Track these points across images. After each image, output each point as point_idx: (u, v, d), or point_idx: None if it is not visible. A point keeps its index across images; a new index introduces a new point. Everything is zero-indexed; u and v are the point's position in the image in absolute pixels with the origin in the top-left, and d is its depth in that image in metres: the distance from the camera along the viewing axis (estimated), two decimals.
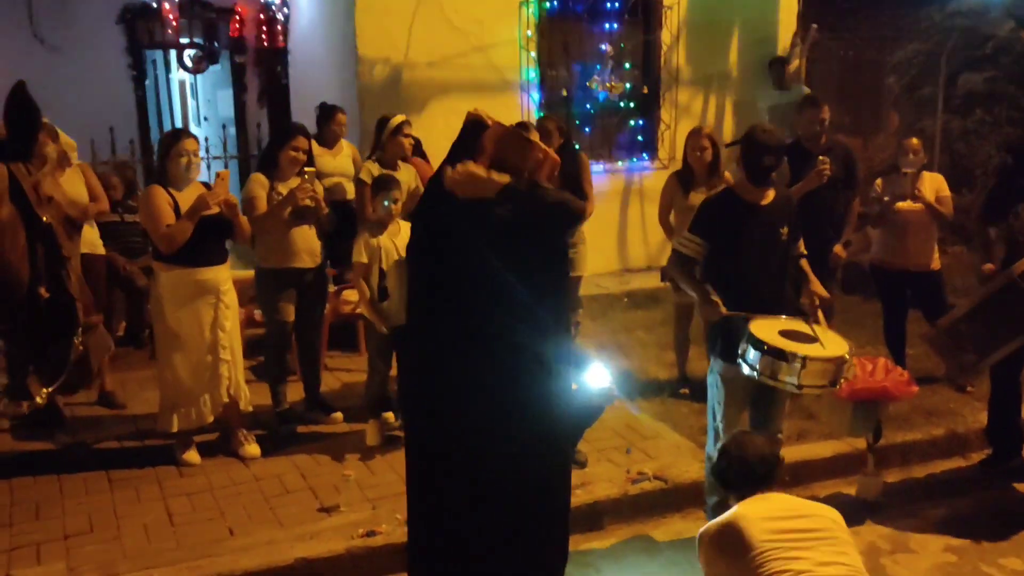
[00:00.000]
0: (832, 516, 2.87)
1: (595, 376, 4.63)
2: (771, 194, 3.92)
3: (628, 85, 8.18)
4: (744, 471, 3.01)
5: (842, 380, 3.70)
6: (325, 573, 3.89)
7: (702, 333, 5.85)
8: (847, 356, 3.65)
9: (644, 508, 4.50)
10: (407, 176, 5.66)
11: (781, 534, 2.75)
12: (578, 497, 4.46)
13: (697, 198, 5.43)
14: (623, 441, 5.07)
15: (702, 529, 2.96)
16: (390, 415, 5.23)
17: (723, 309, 3.78)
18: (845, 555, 2.75)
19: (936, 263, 5.67)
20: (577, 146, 6.28)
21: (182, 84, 12.53)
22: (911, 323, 5.86)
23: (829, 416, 4.79)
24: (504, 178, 3.01)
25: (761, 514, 2.82)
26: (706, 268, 3.97)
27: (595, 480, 4.64)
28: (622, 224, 8.43)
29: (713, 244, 3.89)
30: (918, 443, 5.09)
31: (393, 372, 5.24)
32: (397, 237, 4.99)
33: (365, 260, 4.90)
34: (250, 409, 5.08)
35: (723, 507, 4.09)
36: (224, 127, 9.06)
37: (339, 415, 5.35)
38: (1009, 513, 4.42)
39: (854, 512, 3.10)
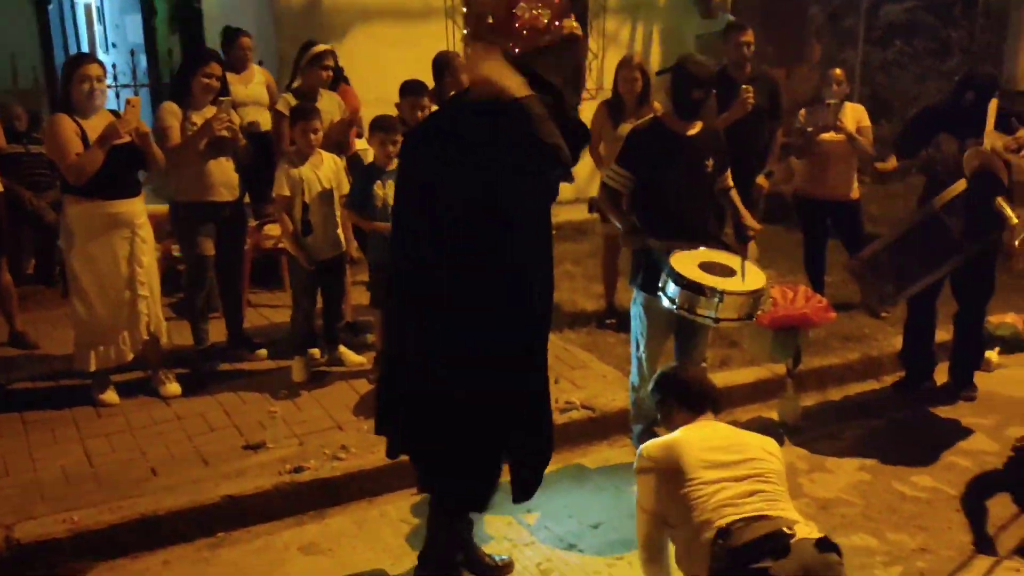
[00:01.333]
0: (766, 446, 2.94)
1: None
2: (698, 125, 3.91)
3: None
4: (682, 401, 3.09)
5: (758, 312, 3.76)
6: (252, 510, 3.85)
7: (629, 265, 5.93)
8: (764, 289, 3.70)
9: (572, 437, 4.56)
10: (329, 105, 5.49)
11: (712, 459, 2.82)
12: None
13: (626, 129, 5.39)
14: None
15: (643, 446, 3.01)
16: (316, 351, 5.16)
17: (646, 241, 3.79)
18: (768, 485, 2.81)
19: (855, 193, 5.79)
20: None
21: (88, 8, 11.89)
22: (830, 252, 6.01)
23: (751, 343, 4.90)
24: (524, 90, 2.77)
25: (699, 442, 2.89)
26: (633, 199, 3.96)
27: None
28: None
29: (640, 176, 3.88)
30: (835, 367, 5.26)
31: (318, 307, 5.17)
32: (319, 169, 4.85)
33: (287, 193, 4.76)
34: (171, 347, 4.97)
35: (649, 435, 4.19)
36: (133, 54, 8.62)
37: (263, 352, 5.26)
38: (920, 433, 4.61)
39: (774, 435, 3.18)
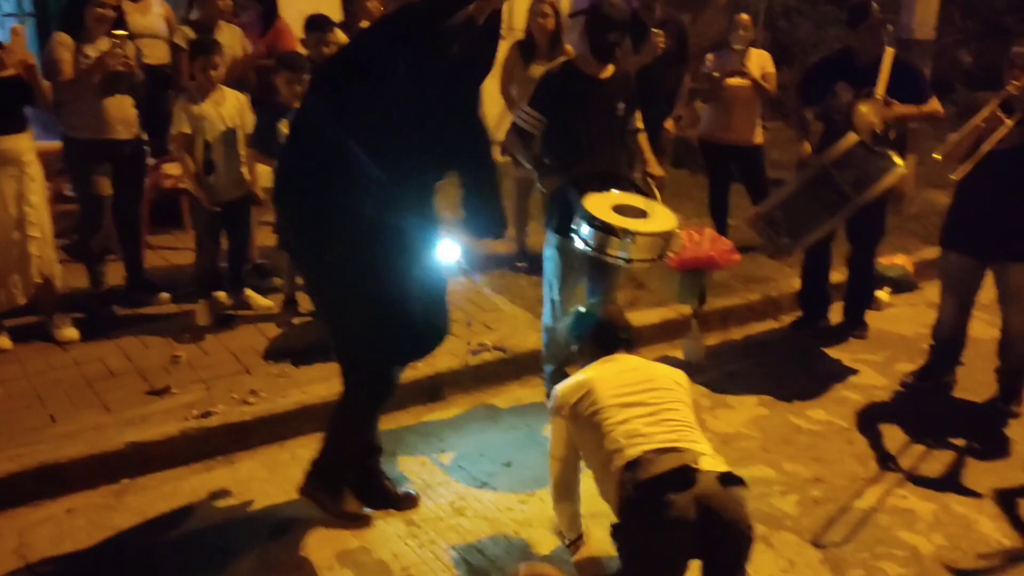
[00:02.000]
0: (675, 377, 3.05)
1: (445, 251, 4.63)
2: (611, 68, 3.92)
3: None
4: (596, 338, 3.17)
5: (669, 253, 3.84)
6: (158, 456, 3.77)
7: (541, 207, 5.95)
8: (674, 230, 3.78)
9: (485, 378, 4.61)
10: (230, 39, 5.28)
11: (623, 393, 2.92)
12: (420, 370, 4.52)
13: (538, 70, 5.36)
14: (463, 314, 5.12)
15: (557, 387, 3.07)
16: (221, 294, 5.03)
17: (560, 183, 3.81)
18: (677, 414, 2.91)
19: (758, 138, 5.93)
20: None
21: None
22: (734, 196, 6.16)
23: (658, 284, 5.02)
24: None
25: (611, 376, 2.99)
26: (544, 142, 3.96)
27: (436, 353, 4.65)
28: None
29: (552, 118, 3.87)
30: (737, 308, 5.44)
31: (223, 249, 5.03)
32: (221, 106, 4.68)
33: (186, 130, 4.58)
34: (66, 291, 4.77)
35: (561, 375, 4.27)
36: None
37: (166, 295, 5.10)
38: (815, 370, 4.83)
39: None
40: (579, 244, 3.72)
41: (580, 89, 3.88)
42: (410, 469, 3.85)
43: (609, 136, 3.94)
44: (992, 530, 3.46)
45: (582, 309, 3.33)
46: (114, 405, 4.00)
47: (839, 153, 4.30)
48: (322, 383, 4.27)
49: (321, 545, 3.35)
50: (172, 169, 5.62)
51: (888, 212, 5.08)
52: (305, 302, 4.96)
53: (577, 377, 3.05)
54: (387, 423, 4.21)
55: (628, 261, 3.68)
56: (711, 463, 2.74)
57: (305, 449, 3.92)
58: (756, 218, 4.68)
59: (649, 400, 2.92)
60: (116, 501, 3.56)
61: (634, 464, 2.73)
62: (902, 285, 5.77)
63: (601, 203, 3.71)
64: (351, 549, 3.32)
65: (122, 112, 4.68)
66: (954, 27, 9.66)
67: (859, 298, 5.22)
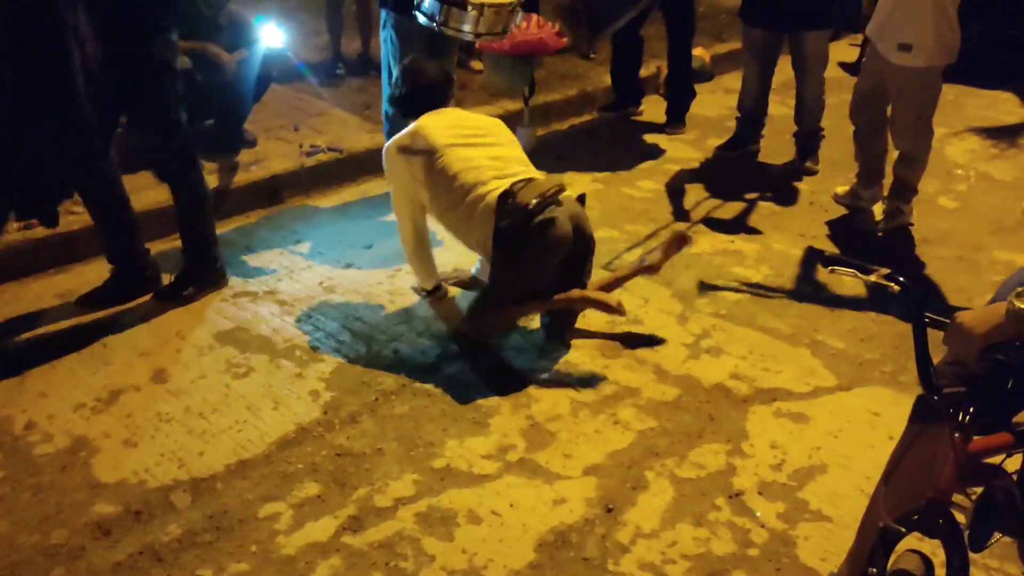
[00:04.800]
0: (494, 122, 3.31)
1: (269, 36, 4.39)
2: None
3: None
4: (424, 94, 3.25)
5: (512, 27, 3.87)
6: None
7: (355, 12, 5.74)
8: (517, 3, 3.80)
9: (324, 178, 4.55)
10: None
11: (458, 137, 3.11)
12: (254, 173, 4.39)
13: None
14: (289, 120, 4.95)
15: (388, 142, 3.20)
16: None
17: None
18: (512, 150, 3.23)
19: None
20: None
21: None
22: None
23: (490, 74, 5.05)
24: None
25: (440, 124, 3.14)
26: None
27: (269, 156, 4.54)
28: None
29: None
30: (557, 103, 5.61)
31: None
32: None
33: None
34: None
35: None
36: None
37: None
38: (637, 150, 5.12)
39: None
40: (424, 20, 3.64)
41: None
42: (266, 260, 3.80)
43: None
44: (806, 261, 3.94)
45: (408, 62, 3.36)
46: None
47: None
48: (150, 190, 4.05)
49: (193, 326, 3.28)
50: None
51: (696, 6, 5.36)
52: None
53: (407, 129, 3.17)
54: (232, 224, 4.11)
55: (477, 36, 3.68)
56: (567, 188, 3.12)
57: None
58: (561, 7, 4.77)
59: (484, 142, 3.14)
60: None
61: (509, 194, 2.95)
62: (702, 75, 6.14)
63: None
64: (227, 329, 3.28)
65: None
66: None
67: (681, 94, 5.50)
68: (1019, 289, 1.66)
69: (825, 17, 4.57)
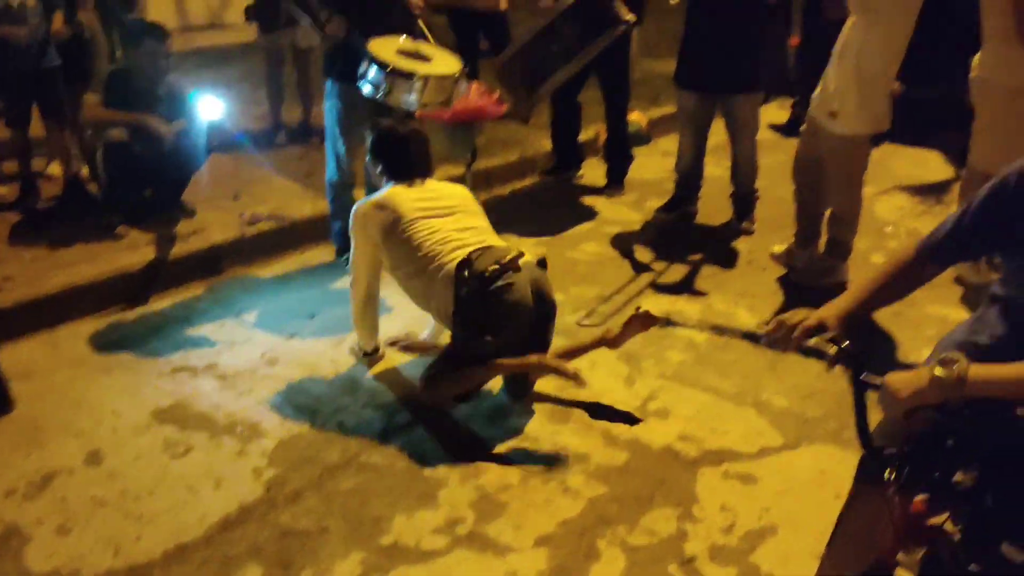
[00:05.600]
0: (463, 193, 3.36)
1: (208, 107, 4.38)
2: None
3: None
4: (400, 158, 3.30)
5: (455, 97, 3.92)
6: None
7: (295, 80, 5.77)
8: (461, 73, 3.86)
9: (265, 248, 4.50)
10: None
11: (425, 209, 3.16)
12: (193, 244, 4.34)
13: None
14: (229, 189, 4.91)
15: (357, 204, 3.24)
16: None
17: (344, 29, 3.73)
18: (477, 220, 3.29)
19: (503, 4, 6.10)
20: None
21: None
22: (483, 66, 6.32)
23: (431, 140, 5.07)
24: None
25: (410, 194, 3.19)
26: None
27: (208, 226, 4.49)
28: None
29: None
30: (498, 168, 5.68)
31: None
32: None
33: None
34: None
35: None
36: None
37: None
38: (579, 213, 5.19)
39: None
40: (368, 90, 3.67)
41: None
42: (208, 333, 3.73)
43: None
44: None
45: (382, 130, 3.37)
46: None
47: (567, 5, 4.50)
48: (88, 263, 3.98)
49: (129, 404, 3.19)
50: None
51: (630, 68, 5.49)
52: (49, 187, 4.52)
53: (376, 196, 3.22)
54: (170, 297, 4.03)
55: (422, 106, 3.72)
56: (527, 254, 3.14)
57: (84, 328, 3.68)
58: (496, 68, 4.85)
59: (450, 212, 3.19)
60: None
61: (467, 262, 2.95)
62: (639, 139, 6.27)
63: (386, 47, 3.69)
64: (165, 407, 3.19)
65: None
66: None
67: (619, 158, 5.61)
68: (942, 356, 1.71)
69: (754, 82, 4.73)
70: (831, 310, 1.92)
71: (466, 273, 3.00)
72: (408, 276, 3.17)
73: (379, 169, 3.34)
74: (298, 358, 3.55)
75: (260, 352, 3.58)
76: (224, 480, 2.82)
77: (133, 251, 4.17)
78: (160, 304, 3.97)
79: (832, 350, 1.84)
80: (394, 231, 3.11)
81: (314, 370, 3.47)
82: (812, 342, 1.89)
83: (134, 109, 4.30)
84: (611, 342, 3.42)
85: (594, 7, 4.45)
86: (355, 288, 3.36)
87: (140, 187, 4.49)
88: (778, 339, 1.91)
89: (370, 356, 3.47)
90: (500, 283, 3.00)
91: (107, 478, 2.82)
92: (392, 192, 3.19)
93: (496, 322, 3.04)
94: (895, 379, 1.77)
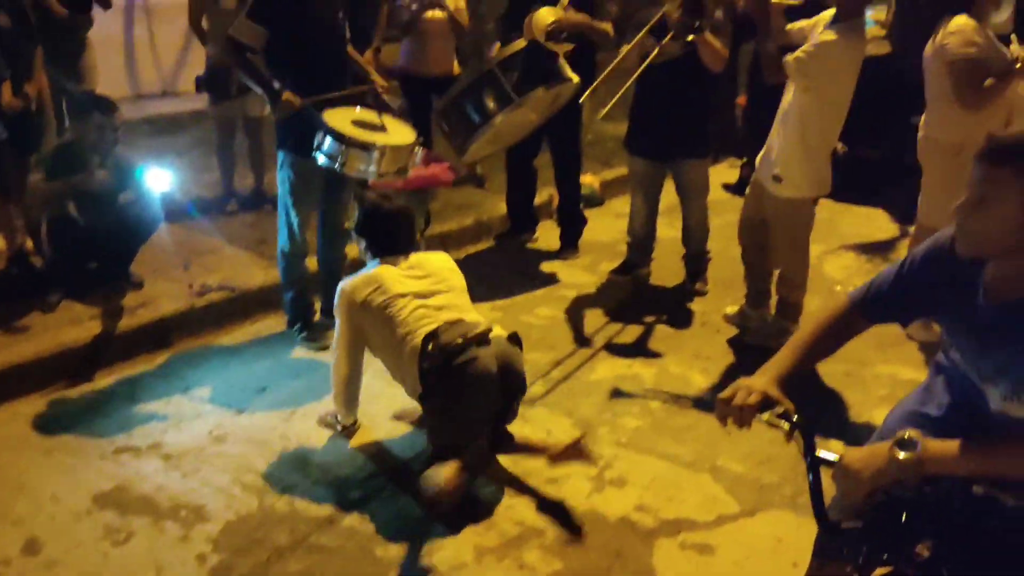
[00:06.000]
0: (445, 264, 3.32)
1: (156, 180, 4.34)
2: None
3: None
4: (386, 235, 3.28)
5: (410, 166, 3.92)
6: None
7: (247, 147, 5.74)
8: (416, 142, 3.86)
9: (215, 318, 4.42)
10: None
11: (410, 286, 3.14)
12: (141, 316, 4.25)
13: (230, 1, 5.19)
14: (178, 259, 4.84)
15: (344, 282, 3.20)
16: None
17: (298, 101, 3.72)
18: (459, 297, 3.25)
19: (456, 69, 6.17)
20: None
21: None
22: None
23: None
24: None
25: (396, 273, 3.17)
26: (268, 60, 3.83)
27: (157, 298, 4.41)
28: (128, 45, 7.64)
29: (274, 29, 3.74)
30: (453, 232, 5.67)
31: None
32: None
33: None
34: None
35: (301, 300, 4.24)
36: None
37: None
38: (534, 277, 5.19)
39: None
40: (324, 161, 3.65)
41: None
42: (154, 409, 3.63)
43: (333, 47, 3.91)
44: (701, 382, 4.01)
45: (368, 207, 3.34)
46: None
47: (507, 54, 4.51)
48: (30, 340, 3.88)
49: (69, 489, 3.08)
50: None
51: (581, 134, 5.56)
52: None
53: (365, 275, 3.18)
54: (116, 373, 3.93)
55: (379, 176, 3.71)
56: (498, 328, 3.14)
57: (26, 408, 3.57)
58: (434, 115, 4.85)
59: (432, 290, 3.16)
60: None
61: (433, 335, 2.96)
62: (592, 201, 6.35)
63: (341, 118, 3.69)
64: (106, 491, 3.08)
65: None
66: None
67: (572, 221, 5.65)
68: (900, 434, 1.72)
69: (702, 147, 4.80)
70: (768, 376, 1.93)
71: (431, 347, 2.99)
72: (382, 350, 3.18)
73: (364, 245, 3.31)
74: (247, 434, 3.46)
75: (208, 429, 3.49)
76: (166, 568, 2.72)
77: (77, 326, 4.08)
78: (106, 380, 3.87)
79: (784, 425, 1.85)
80: (377, 308, 3.09)
81: (264, 447, 3.38)
82: (764, 417, 1.89)
83: (82, 180, 4.24)
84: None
85: (537, 60, 4.43)
86: (338, 364, 3.29)
87: (85, 260, 4.41)
88: (728, 419, 1.91)
89: (347, 429, 3.43)
90: (463, 357, 2.98)
91: (45, 569, 2.71)
92: (380, 271, 3.17)
93: (459, 397, 3.01)
94: (853, 458, 1.78)
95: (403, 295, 3.10)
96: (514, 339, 3.22)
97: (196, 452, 3.33)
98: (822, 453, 1.81)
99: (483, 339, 3.06)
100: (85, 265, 4.45)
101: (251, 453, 3.33)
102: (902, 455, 1.72)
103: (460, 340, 3.00)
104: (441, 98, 4.70)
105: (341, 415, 3.42)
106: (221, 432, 3.47)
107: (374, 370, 3.44)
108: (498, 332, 3.15)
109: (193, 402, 3.69)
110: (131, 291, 4.44)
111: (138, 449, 3.35)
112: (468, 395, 3.02)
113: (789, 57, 3.83)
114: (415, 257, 3.28)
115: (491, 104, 4.36)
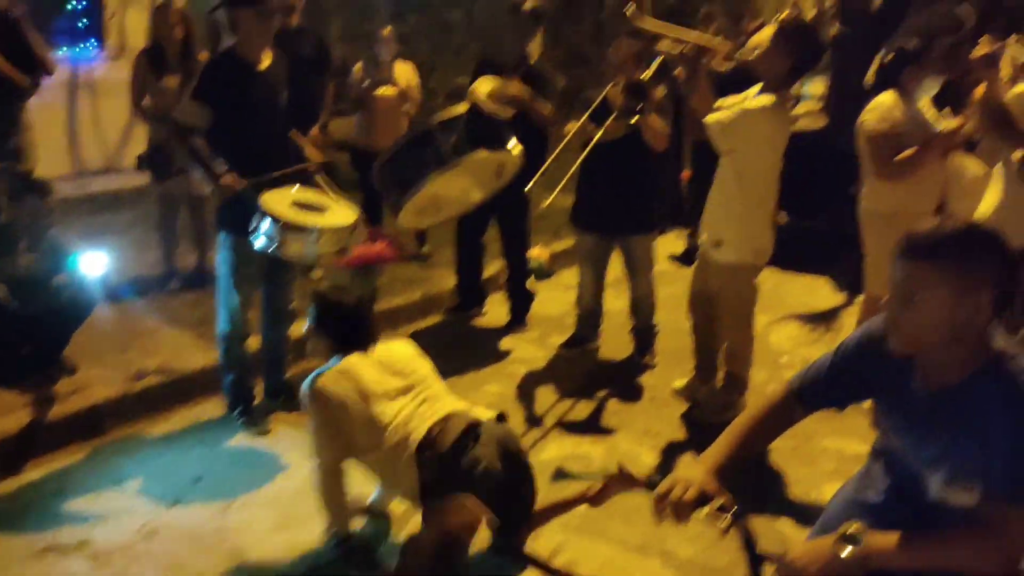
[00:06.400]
0: (409, 353, 3.15)
1: (90, 263, 4.23)
2: (268, 56, 3.87)
3: None
4: (345, 325, 3.11)
5: (352, 245, 3.87)
6: None
7: (189, 224, 5.66)
8: (357, 222, 3.82)
9: (152, 403, 4.28)
10: None
11: (384, 383, 2.97)
12: (73, 404, 4.11)
13: (173, 80, 5.17)
14: (116, 341, 4.71)
15: (312, 378, 2.97)
16: None
17: (238, 183, 3.67)
18: (433, 385, 3.08)
19: None
20: None
21: None
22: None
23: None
24: None
25: (366, 366, 2.99)
26: (210, 139, 3.79)
27: (91, 384, 4.26)
28: (71, 121, 7.55)
29: (217, 110, 3.71)
30: (401, 307, 5.61)
31: None
32: None
33: None
34: None
35: (241, 384, 4.12)
36: None
37: None
38: (483, 352, 5.14)
39: None
40: (262, 244, 3.58)
41: (243, 78, 3.77)
42: (83, 505, 3.47)
43: (276, 127, 3.89)
44: (651, 460, 3.96)
45: (326, 299, 3.18)
46: None
47: (447, 116, 4.52)
48: None
49: None
50: None
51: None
52: None
53: (336, 370, 2.98)
54: (45, 465, 3.77)
55: (317, 257, 3.66)
56: (485, 413, 2.97)
57: None
58: (373, 173, 4.81)
59: (408, 384, 3.00)
60: None
61: (426, 444, 2.81)
62: (541, 274, 6.35)
63: (280, 199, 3.64)
64: None
65: None
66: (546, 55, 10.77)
67: (521, 295, 5.62)
68: (843, 528, 1.69)
69: (647, 223, 4.84)
70: (705, 466, 1.91)
71: (428, 455, 2.82)
72: (372, 455, 2.93)
73: (324, 343, 3.13)
74: (180, 529, 3.32)
75: (138, 524, 3.34)
76: None
77: (7, 415, 3.91)
78: (34, 473, 3.70)
79: (724, 521, 1.81)
80: (355, 407, 2.89)
81: (197, 542, 3.24)
82: (703, 513, 1.85)
83: (12, 264, 4.12)
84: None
85: (478, 125, 4.44)
86: (321, 470, 3.01)
87: (16, 346, 4.26)
88: (668, 514, 1.87)
89: (345, 543, 3.09)
90: (465, 462, 2.77)
91: None
92: (352, 365, 2.97)
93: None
94: (797, 555, 1.75)
95: (384, 394, 2.92)
96: (502, 417, 3.01)
97: (125, 550, 3.18)
98: (765, 551, 1.78)
99: (476, 434, 2.84)
100: (16, 351, 4.29)
101: (183, 550, 3.19)
102: (845, 552, 1.70)
103: (457, 444, 2.80)
104: (379, 157, 4.68)
105: (336, 525, 3.09)
106: (152, 527, 3.32)
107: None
108: (486, 415, 2.97)
109: (124, 495, 3.54)
110: (64, 377, 4.29)
111: (65, 548, 3.18)
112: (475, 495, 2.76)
113: (710, 118, 3.89)
114: (381, 349, 3.10)
115: (429, 161, 4.34)
